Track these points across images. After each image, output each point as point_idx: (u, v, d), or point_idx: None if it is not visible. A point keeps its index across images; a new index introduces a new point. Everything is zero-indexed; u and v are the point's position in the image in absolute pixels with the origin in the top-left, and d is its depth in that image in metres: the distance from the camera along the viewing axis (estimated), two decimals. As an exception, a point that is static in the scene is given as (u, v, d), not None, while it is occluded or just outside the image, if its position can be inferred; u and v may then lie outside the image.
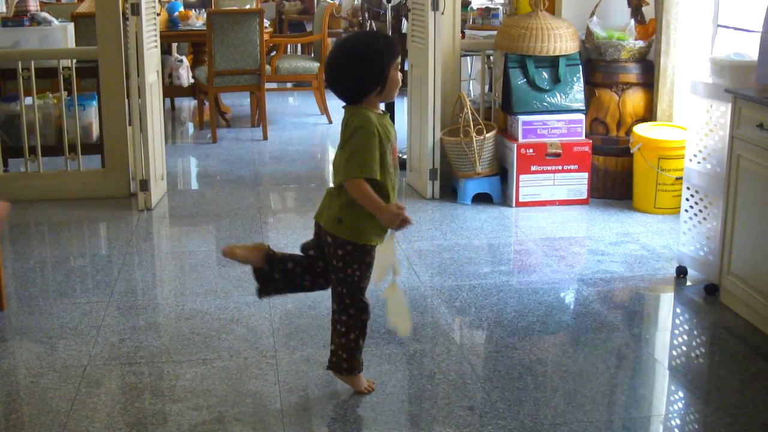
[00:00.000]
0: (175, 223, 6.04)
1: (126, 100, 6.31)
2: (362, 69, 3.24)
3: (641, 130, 5.93)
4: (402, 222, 3.22)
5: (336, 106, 9.92)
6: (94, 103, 6.64)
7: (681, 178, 4.89)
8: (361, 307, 3.42)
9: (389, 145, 3.28)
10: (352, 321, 3.42)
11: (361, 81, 3.25)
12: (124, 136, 6.37)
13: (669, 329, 4.33)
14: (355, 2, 12.05)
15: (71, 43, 7.11)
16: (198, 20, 9.25)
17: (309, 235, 5.08)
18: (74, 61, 6.40)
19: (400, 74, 3.30)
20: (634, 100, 6.11)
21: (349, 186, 3.22)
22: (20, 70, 6.20)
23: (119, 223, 5.83)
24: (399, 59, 3.28)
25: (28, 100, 6.31)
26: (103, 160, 6.51)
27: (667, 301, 4.67)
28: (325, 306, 4.38)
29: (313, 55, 10.57)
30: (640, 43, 6.07)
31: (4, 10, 7.87)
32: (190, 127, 9.45)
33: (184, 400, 3.49)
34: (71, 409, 3.44)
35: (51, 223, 5.91)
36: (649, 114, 6.14)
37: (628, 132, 6.07)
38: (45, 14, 7.25)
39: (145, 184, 6.07)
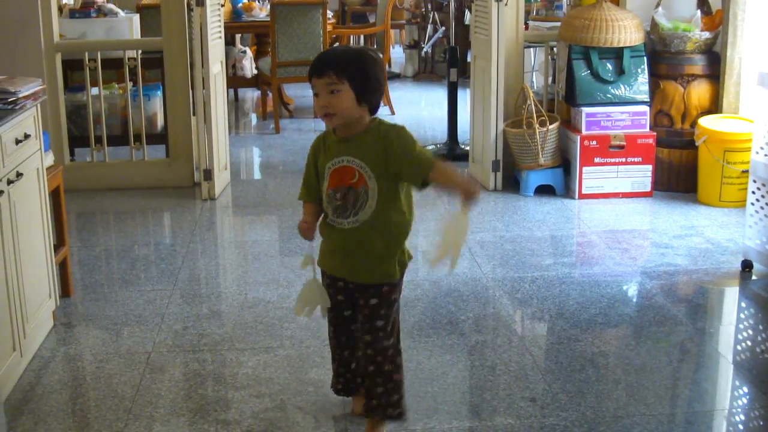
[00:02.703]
0: (238, 212, 6.09)
1: (190, 91, 6.37)
2: None
3: (707, 122, 5.85)
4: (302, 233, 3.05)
5: (398, 97, 9.95)
6: (159, 93, 6.72)
7: (747, 171, 4.82)
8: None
9: (332, 164, 2.97)
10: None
11: None
12: (188, 126, 6.44)
13: (733, 323, 4.27)
14: (418, -7, 12.03)
15: (137, 34, 7.19)
16: (261, 11, 9.30)
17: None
18: (140, 51, 6.48)
19: (318, 103, 2.90)
20: (700, 92, 6.03)
21: None
22: (87, 61, 6.29)
23: (183, 213, 5.89)
24: (314, 84, 2.89)
25: (95, 91, 6.40)
26: (168, 150, 6.58)
27: (731, 295, 4.61)
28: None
29: (375, 46, 10.58)
30: (706, 35, 5.99)
31: (72, 1, 7.99)
32: (254, 118, 9.52)
33: (246, 388, 3.53)
34: (136, 394, 3.49)
35: (116, 212, 5.99)
36: (714, 106, 6.06)
37: (693, 124, 5.99)
38: (111, 6, 7.34)
39: (208, 174, 6.13)
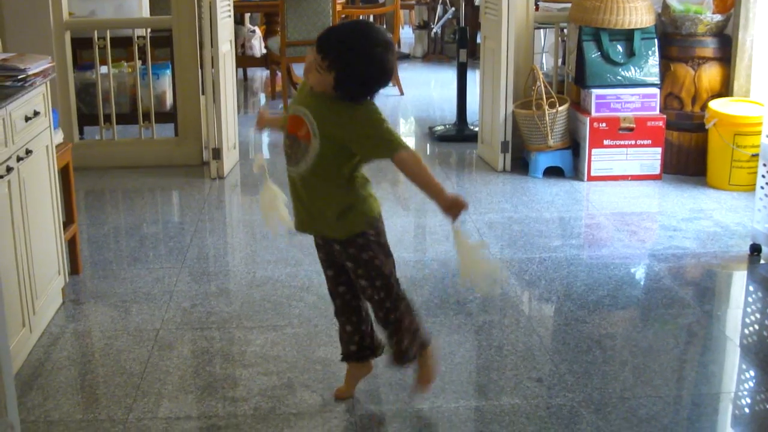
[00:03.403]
0: (247, 191, 6.09)
1: (199, 70, 6.37)
2: None
3: (717, 105, 5.83)
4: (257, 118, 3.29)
5: (408, 78, 9.94)
6: (168, 72, 6.72)
7: (757, 155, 4.81)
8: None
9: (292, 109, 3.05)
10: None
11: None
12: (197, 105, 6.44)
13: (741, 307, 4.27)
14: (428, -26, 11.99)
15: (146, 12, 7.18)
16: (271, -9, 9.28)
17: (380, 205, 5.08)
18: (149, 30, 6.48)
19: (305, 66, 2.97)
20: (711, 74, 6.01)
21: None
22: (96, 40, 6.29)
23: (192, 191, 5.90)
24: (309, 52, 2.96)
25: (104, 69, 6.40)
26: (177, 129, 6.59)
27: (739, 278, 4.61)
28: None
29: (385, 26, 10.55)
30: (718, 17, 5.96)
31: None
32: (262, 98, 9.52)
33: (254, 366, 3.54)
34: (144, 371, 3.50)
35: (125, 190, 6.00)
36: (725, 89, 6.04)
37: (704, 107, 5.97)
38: (121, -16, 7.33)
39: (217, 153, 6.13)
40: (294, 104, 3.04)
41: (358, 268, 3.07)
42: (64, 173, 4.35)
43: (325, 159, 2.95)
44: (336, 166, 2.98)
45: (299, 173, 3.02)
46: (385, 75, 2.96)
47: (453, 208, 2.93)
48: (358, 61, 2.89)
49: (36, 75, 3.72)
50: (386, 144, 2.94)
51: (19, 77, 3.60)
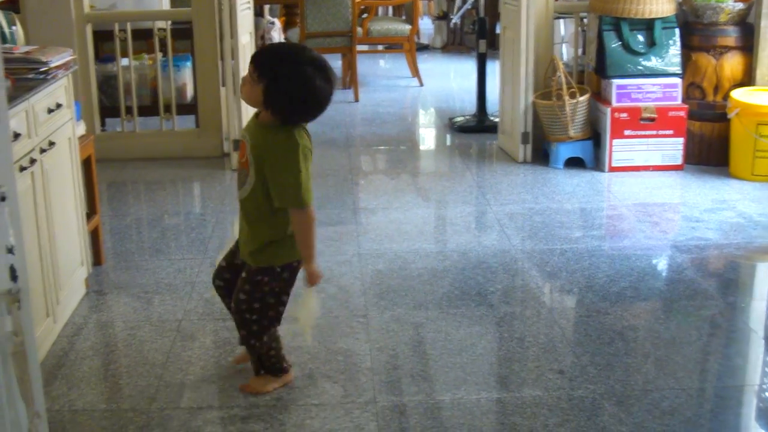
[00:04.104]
0: (267, 183, 6.09)
1: (219, 62, 6.37)
2: None
3: (739, 95, 5.80)
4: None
5: (427, 69, 9.93)
6: (189, 64, 6.73)
7: (780, 145, 4.78)
8: None
9: (242, 134, 3.16)
10: None
11: None
12: (217, 96, 6.45)
13: (765, 298, 4.24)
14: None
15: (166, 4, 7.20)
16: (291, -18, 9.29)
17: (400, 197, 5.12)
18: (169, 22, 6.49)
19: (242, 80, 3.07)
20: (733, 64, 5.97)
21: None
22: (117, 32, 6.30)
23: (213, 182, 5.91)
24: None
25: (125, 61, 6.42)
26: (197, 120, 6.60)
27: (763, 269, 4.59)
28: (416, 267, 4.41)
29: (404, 17, 10.54)
30: (740, 5, 5.92)
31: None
32: (282, 89, 9.50)
33: (276, 357, 3.54)
34: (166, 361, 3.52)
35: (146, 182, 6.02)
36: (747, 78, 6.01)
37: (726, 97, 5.94)
38: (141, -24, 7.34)
39: (237, 144, 6.13)
40: (243, 129, 3.13)
41: (244, 284, 3.16)
42: (86, 165, 4.37)
43: (256, 187, 3.01)
44: (265, 195, 3.02)
45: (240, 198, 3.10)
46: (314, 97, 2.96)
47: (315, 277, 3.14)
48: (287, 74, 2.91)
49: (58, 67, 3.73)
50: (290, 193, 2.98)
51: (42, 70, 3.61)
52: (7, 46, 3.94)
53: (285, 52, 3.01)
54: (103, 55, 6.86)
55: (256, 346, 3.22)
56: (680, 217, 5.21)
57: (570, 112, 5.98)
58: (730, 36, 5.95)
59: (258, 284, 3.13)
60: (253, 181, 3.00)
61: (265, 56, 2.99)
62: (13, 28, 4.45)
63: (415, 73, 9.38)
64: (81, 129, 4.31)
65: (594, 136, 6.14)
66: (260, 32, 9.50)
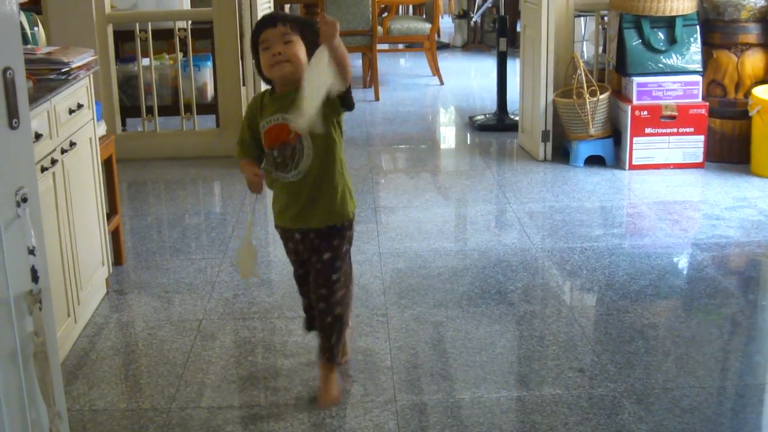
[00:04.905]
0: (287, 182, 6.11)
1: (240, 61, 6.39)
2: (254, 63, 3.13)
3: (761, 92, 5.77)
4: (252, 187, 3.08)
5: (447, 67, 9.92)
6: (209, 63, 6.75)
7: (802, 142, 4.75)
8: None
9: (265, 122, 3.03)
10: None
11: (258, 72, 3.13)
12: (238, 96, 6.47)
13: (786, 296, 4.23)
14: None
15: (187, 4, 7.22)
16: (310, -19, 9.29)
17: (421, 195, 5.13)
18: (190, 22, 6.51)
19: (270, 53, 2.95)
20: (754, 61, 5.94)
21: None
22: (138, 32, 6.33)
23: (233, 182, 5.93)
24: (267, 37, 2.96)
25: (146, 61, 6.44)
26: (218, 120, 6.63)
27: (784, 267, 4.57)
28: (436, 266, 4.41)
29: (424, 16, 10.54)
30: (761, 3, 5.89)
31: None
32: (302, 88, 9.52)
33: (295, 356, 3.55)
34: (187, 361, 3.53)
35: (167, 181, 6.04)
36: (769, 76, 5.98)
37: (747, 94, 5.91)
38: (162, -24, 7.37)
39: (258, 144, 6.14)
40: (261, 119, 3.05)
41: (326, 251, 3.13)
42: (107, 165, 4.39)
43: (320, 143, 3.00)
44: (332, 144, 3.04)
45: (301, 172, 3.02)
46: None
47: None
48: (314, 27, 2.89)
49: (79, 68, 3.75)
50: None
51: (63, 70, 3.63)
52: (29, 46, 3.97)
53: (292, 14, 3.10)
54: (124, 56, 6.90)
55: (347, 319, 3.26)
56: (701, 215, 5.19)
57: (590, 110, 5.96)
58: (752, 33, 5.92)
59: (342, 242, 3.13)
60: (311, 140, 2.97)
61: (293, 17, 3.04)
62: (35, 29, 4.48)
63: (436, 71, 9.37)
64: (102, 129, 4.33)
65: (614, 134, 6.12)
66: (280, 31, 9.52)
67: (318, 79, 2.82)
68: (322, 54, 2.80)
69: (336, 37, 2.79)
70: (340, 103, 2.97)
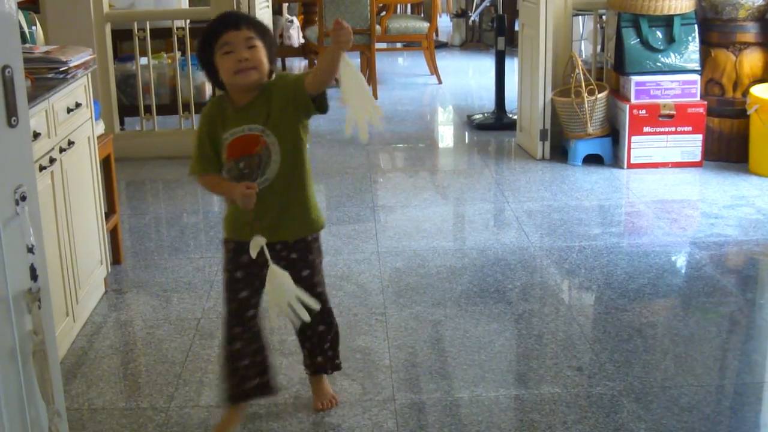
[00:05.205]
0: (286, 181, 6.11)
1: (238, 60, 6.38)
2: (199, 60, 2.88)
3: (759, 91, 5.77)
4: (248, 202, 2.76)
5: (446, 66, 9.92)
6: (208, 62, 6.74)
7: (800, 141, 4.76)
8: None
9: (230, 134, 2.81)
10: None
11: (204, 70, 2.90)
12: (236, 95, 6.46)
13: (784, 294, 4.24)
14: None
15: (185, 3, 7.22)
16: (309, -20, 9.30)
17: (419, 194, 5.13)
18: (188, 21, 6.51)
19: (233, 58, 2.74)
20: (752, 60, 5.95)
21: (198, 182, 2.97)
22: (136, 31, 6.33)
23: (231, 181, 5.91)
24: (229, 40, 2.74)
25: (144, 61, 6.44)
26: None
27: (782, 265, 4.57)
28: (434, 265, 4.41)
29: (423, 15, 10.54)
30: (759, 1, 5.89)
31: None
32: (300, 87, 9.51)
33: (294, 354, 3.55)
34: (186, 360, 3.53)
35: (165, 181, 6.04)
36: (767, 74, 5.97)
37: (745, 93, 5.91)
38: (160, -25, 7.37)
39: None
40: (224, 131, 2.82)
41: (304, 269, 2.97)
42: (105, 164, 4.39)
43: (287, 148, 2.81)
44: (300, 150, 2.85)
45: (269, 179, 2.81)
46: None
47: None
48: (270, 30, 2.86)
49: (77, 67, 3.75)
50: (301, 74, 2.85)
51: (61, 69, 3.63)
52: (27, 45, 3.97)
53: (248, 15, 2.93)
54: (122, 55, 6.89)
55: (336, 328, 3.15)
56: (699, 214, 5.19)
57: (588, 109, 5.96)
58: (750, 32, 5.92)
59: (315, 256, 2.99)
60: (278, 144, 2.79)
61: (255, 20, 2.85)
62: (33, 27, 4.48)
63: (434, 70, 9.37)
64: (100, 128, 4.33)
65: (612, 133, 6.13)
66: (279, 30, 9.52)
67: (359, 86, 2.72)
68: (346, 63, 2.67)
69: (350, 43, 2.66)
70: (313, 104, 2.79)
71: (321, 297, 3.02)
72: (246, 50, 2.74)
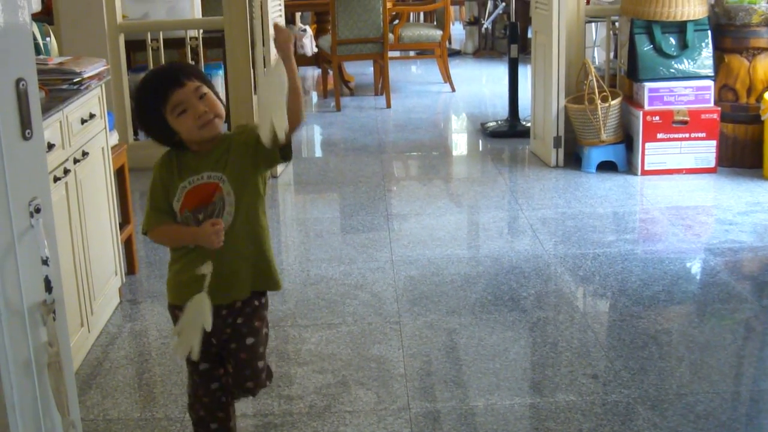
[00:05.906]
0: (300, 190, 6.12)
1: (251, 70, 6.40)
2: (144, 128, 2.75)
3: (773, 96, 5.76)
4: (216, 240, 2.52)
5: (459, 74, 9.92)
6: (221, 72, 6.77)
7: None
8: None
9: (187, 183, 2.63)
10: None
11: (152, 137, 2.70)
12: (249, 104, 6.48)
13: (800, 301, 4.22)
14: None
15: (198, 13, 7.24)
16: (321, -10, 9.31)
17: (433, 202, 5.13)
18: (201, 31, 6.53)
19: (193, 115, 2.57)
20: (766, 65, 5.93)
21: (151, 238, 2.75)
22: (149, 41, 6.35)
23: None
24: (180, 99, 2.56)
25: (158, 70, 6.45)
26: (230, 128, 6.61)
27: (798, 271, 4.55)
28: (449, 273, 4.41)
29: (435, 23, 10.54)
30: (773, 7, 5.89)
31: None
32: (314, 96, 9.55)
33: (309, 363, 3.56)
34: (201, 370, 3.53)
35: (180, 190, 6.04)
36: (781, 80, 5.97)
37: (759, 99, 5.90)
38: (173, -14, 7.40)
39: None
40: (180, 180, 2.64)
41: (249, 336, 2.72)
42: (119, 174, 4.40)
43: (244, 200, 2.63)
44: (256, 204, 2.67)
45: (226, 230, 2.56)
46: None
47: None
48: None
49: (91, 78, 3.77)
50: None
51: (75, 80, 3.65)
52: (41, 57, 3.98)
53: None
54: (136, 65, 6.92)
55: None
56: (713, 220, 5.18)
57: (602, 116, 5.96)
58: (763, 37, 5.91)
59: (261, 323, 2.75)
60: (233, 195, 2.61)
61: (193, 69, 2.74)
62: (47, 39, 4.50)
63: (447, 78, 9.38)
64: (114, 139, 4.34)
65: (626, 139, 6.12)
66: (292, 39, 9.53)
67: (278, 91, 2.52)
68: (279, 65, 2.52)
69: (291, 46, 2.53)
70: (278, 153, 2.58)
71: (261, 373, 2.77)
72: (200, 103, 2.57)
